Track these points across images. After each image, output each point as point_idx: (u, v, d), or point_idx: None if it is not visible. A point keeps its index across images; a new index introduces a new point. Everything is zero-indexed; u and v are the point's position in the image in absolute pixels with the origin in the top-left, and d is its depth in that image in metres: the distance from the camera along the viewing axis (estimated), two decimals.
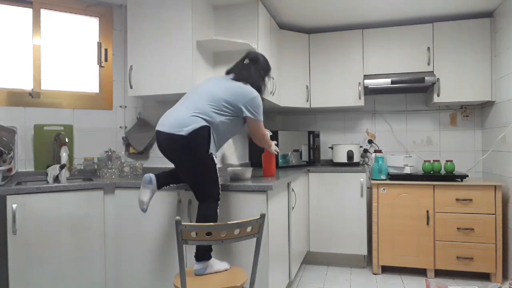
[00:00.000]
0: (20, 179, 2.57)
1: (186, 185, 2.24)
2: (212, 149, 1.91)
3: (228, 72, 2.16)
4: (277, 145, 3.37)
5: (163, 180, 2.05)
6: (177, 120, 1.88)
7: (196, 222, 1.95)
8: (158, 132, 1.94)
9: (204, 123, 1.87)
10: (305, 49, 3.71)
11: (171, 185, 2.15)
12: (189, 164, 1.91)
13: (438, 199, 3.10)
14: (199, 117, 1.87)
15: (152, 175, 2.01)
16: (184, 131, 1.83)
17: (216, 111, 1.92)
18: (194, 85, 2.16)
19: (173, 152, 1.92)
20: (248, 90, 2.01)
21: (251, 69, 2.09)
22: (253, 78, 2.07)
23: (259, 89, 2.10)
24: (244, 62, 2.13)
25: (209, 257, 1.91)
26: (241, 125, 2.08)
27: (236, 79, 2.05)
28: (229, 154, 2.96)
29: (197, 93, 1.99)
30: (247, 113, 1.99)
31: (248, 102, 1.99)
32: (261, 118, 2.06)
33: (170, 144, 1.90)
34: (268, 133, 2.39)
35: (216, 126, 1.93)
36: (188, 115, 1.87)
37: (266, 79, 2.21)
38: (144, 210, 2.00)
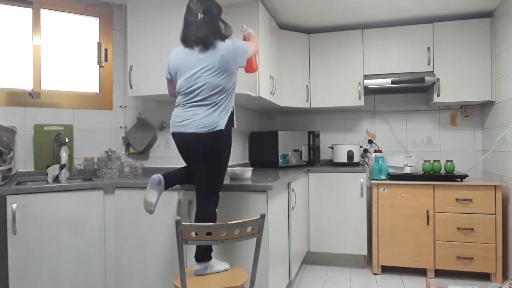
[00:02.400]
0: (20, 179, 2.57)
1: (186, 185, 2.24)
2: (235, 124, 2.03)
3: (187, 40, 1.97)
4: (277, 143, 3.41)
5: (170, 181, 2.01)
6: (207, 119, 1.88)
7: (196, 221, 1.96)
8: (183, 134, 1.92)
9: (229, 113, 1.96)
10: (305, 49, 3.71)
11: (176, 185, 2.14)
12: (216, 156, 1.94)
13: (438, 199, 3.10)
14: (224, 110, 1.93)
15: (161, 176, 1.95)
16: (220, 126, 1.89)
17: (227, 94, 1.95)
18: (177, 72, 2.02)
19: (207, 148, 1.90)
20: (226, 51, 1.91)
21: (209, 24, 1.94)
22: (215, 32, 1.95)
23: (225, 37, 1.98)
24: (198, 18, 1.94)
25: (209, 258, 1.91)
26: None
27: (203, 48, 1.92)
28: None
29: (199, 85, 1.90)
30: (242, 62, 2.00)
31: (235, 57, 1.95)
32: (248, 49, 2.02)
33: (205, 141, 1.88)
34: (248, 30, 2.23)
35: (233, 105, 2.02)
36: (216, 113, 1.90)
37: (223, 21, 2.03)
38: (151, 212, 1.95)
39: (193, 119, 1.89)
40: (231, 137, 2.02)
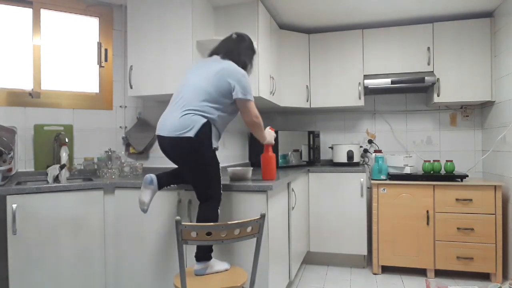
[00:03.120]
0: (20, 179, 2.57)
1: (187, 185, 2.24)
2: (214, 143, 1.94)
3: (214, 53, 2.11)
4: (277, 142, 3.40)
5: (164, 180, 2.04)
6: (178, 122, 1.85)
7: (197, 222, 1.96)
8: (160, 137, 1.93)
9: (205, 120, 1.87)
10: (305, 49, 3.71)
11: (172, 185, 2.14)
12: (196, 164, 1.91)
13: (438, 199, 3.10)
14: (199, 115, 1.87)
15: (153, 176, 1.99)
16: (191, 133, 1.83)
17: (211, 105, 1.90)
18: (183, 79, 2.08)
19: (180, 155, 1.91)
20: (235, 69, 1.97)
21: (238, 45, 2.08)
22: (239, 52, 2.05)
23: (245, 66, 2.05)
24: (232, 37, 2.11)
25: (210, 258, 1.91)
26: (236, 110, 2.05)
27: (223, 56, 2.03)
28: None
29: (188, 90, 1.93)
30: (237, 92, 1.93)
31: (237, 80, 1.94)
32: (251, 97, 1.98)
33: (176, 147, 1.88)
34: (271, 133, 2.28)
35: (215, 120, 1.93)
36: (188, 116, 1.86)
37: (252, 60, 2.14)
38: (145, 211, 1.99)
39: (168, 122, 1.90)
40: (210, 149, 1.92)
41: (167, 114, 1.95)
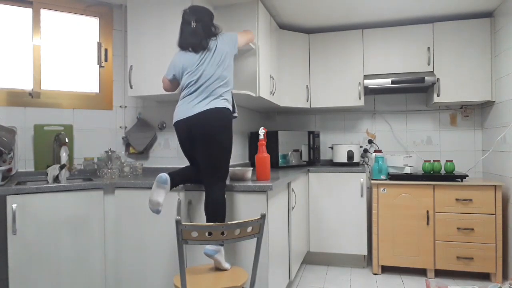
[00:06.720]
0: (20, 179, 2.57)
1: (186, 185, 2.24)
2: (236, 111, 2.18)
3: (183, 46, 2.16)
4: (277, 142, 3.40)
5: (176, 179, 2.03)
6: (210, 105, 2.00)
7: (206, 207, 2.00)
8: (187, 118, 2.01)
9: (230, 104, 2.11)
10: (305, 49, 3.71)
11: (180, 185, 2.15)
12: (223, 140, 2.02)
13: (438, 199, 3.10)
14: (228, 102, 2.09)
15: (167, 175, 1.97)
16: (224, 108, 2.04)
17: (228, 87, 2.11)
18: (184, 70, 2.13)
19: (210, 127, 1.98)
20: (220, 47, 2.12)
21: (200, 29, 2.13)
22: (207, 35, 2.14)
23: (214, 34, 2.16)
24: (192, 26, 2.14)
25: (222, 244, 1.93)
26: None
27: (200, 49, 2.10)
28: None
29: (206, 81, 2.04)
30: (235, 51, 2.21)
31: (229, 45, 2.16)
32: (236, 36, 2.25)
33: (208, 121, 1.98)
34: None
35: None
36: (219, 104, 2.02)
37: (214, 23, 2.22)
38: (158, 212, 1.96)
39: (200, 106, 2.00)
40: (232, 125, 2.09)
41: (191, 103, 2.03)
